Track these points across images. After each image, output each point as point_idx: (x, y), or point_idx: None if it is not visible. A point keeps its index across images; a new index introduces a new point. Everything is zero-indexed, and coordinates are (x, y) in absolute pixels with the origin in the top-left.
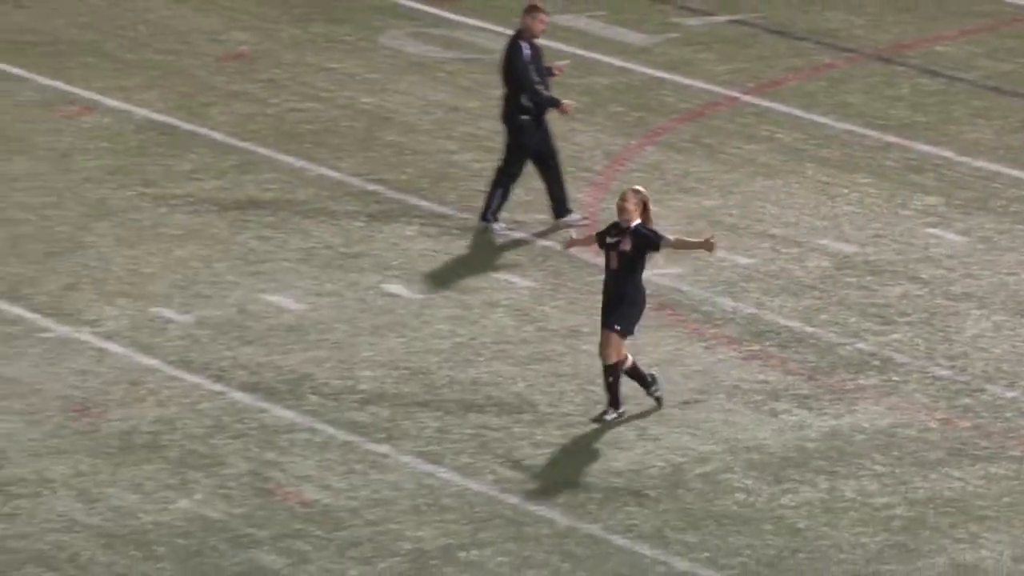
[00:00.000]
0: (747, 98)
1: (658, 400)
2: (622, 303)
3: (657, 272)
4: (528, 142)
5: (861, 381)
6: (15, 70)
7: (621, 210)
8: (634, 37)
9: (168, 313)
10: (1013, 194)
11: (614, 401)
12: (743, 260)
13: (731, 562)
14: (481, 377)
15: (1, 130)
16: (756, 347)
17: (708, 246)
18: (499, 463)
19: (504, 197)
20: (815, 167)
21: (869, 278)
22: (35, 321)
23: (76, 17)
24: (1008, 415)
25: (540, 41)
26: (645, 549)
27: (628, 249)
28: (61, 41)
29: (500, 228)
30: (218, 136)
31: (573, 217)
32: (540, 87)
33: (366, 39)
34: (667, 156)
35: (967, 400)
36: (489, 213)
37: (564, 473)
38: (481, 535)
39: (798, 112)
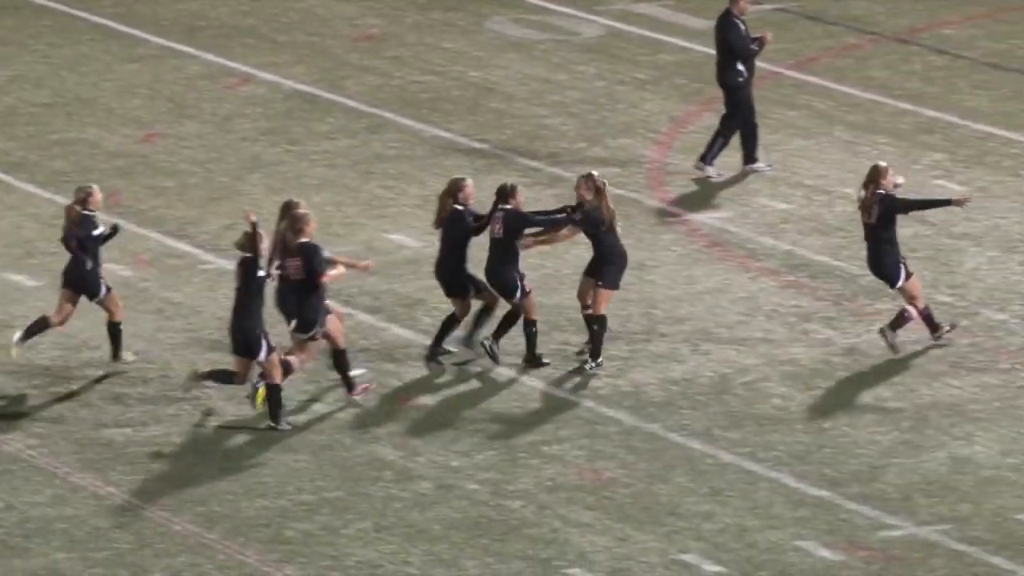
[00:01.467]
0: (788, 72)
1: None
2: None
3: (711, 216)
4: (743, 98)
5: (878, 306)
6: (187, 48)
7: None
8: (695, 22)
9: None
10: (1005, 151)
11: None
12: (781, 205)
13: (767, 455)
14: (563, 302)
15: (173, 98)
16: (791, 278)
17: None
18: (576, 373)
19: (723, 146)
20: (843, 129)
21: None
22: (198, 255)
23: (238, 6)
24: (999, 334)
25: (615, 23)
26: (696, 444)
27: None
28: (224, 25)
29: (714, 172)
30: (351, 103)
31: (759, 165)
32: (753, 52)
33: (475, 24)
34: None
35: (965, 321)
36: (709, 158)
37: (630, 381)
38: (561, 432)
39: (830, 84)
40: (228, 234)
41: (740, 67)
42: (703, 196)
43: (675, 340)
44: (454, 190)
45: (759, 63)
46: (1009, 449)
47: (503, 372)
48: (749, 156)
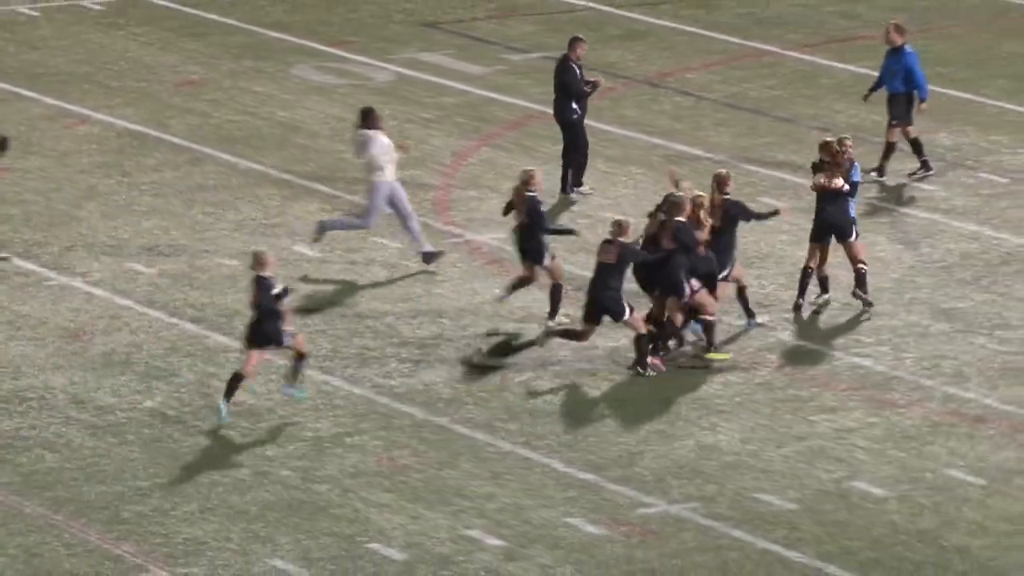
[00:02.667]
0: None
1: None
2: None
3: (490, 236)
4: (579, 132)
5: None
6: (30, 93)
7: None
8: (473, 68)
9: (138, 267)
10: (745, 180)
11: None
12: None
13: (540, 444)
14: (363, 311)
15: (19, 136)
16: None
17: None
18: (375, 374)
19: (580, 168)
20: (602, 162)
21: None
22: (42, 273)
23: (75, 55)
24: (738, 341)
25: (404, 70)
26: (479, 435)
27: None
28: (63, 72)
29: (586, 189)
30: (175, 140)
31: (583, 189)
32: (586, 93)
33: (282, 70)
34: (496, 154)
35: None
36: (571, 185)
37: (421, 380)
38: (362, 425)
39: (590, 122)
40: (68, 255)
41: (574, 105)
42: (483, 220)
43: (461, 345)
44: (527, 180)
45: (530, 103)
46: (748, 437)
47: (310, 373)
48: (577, 182)
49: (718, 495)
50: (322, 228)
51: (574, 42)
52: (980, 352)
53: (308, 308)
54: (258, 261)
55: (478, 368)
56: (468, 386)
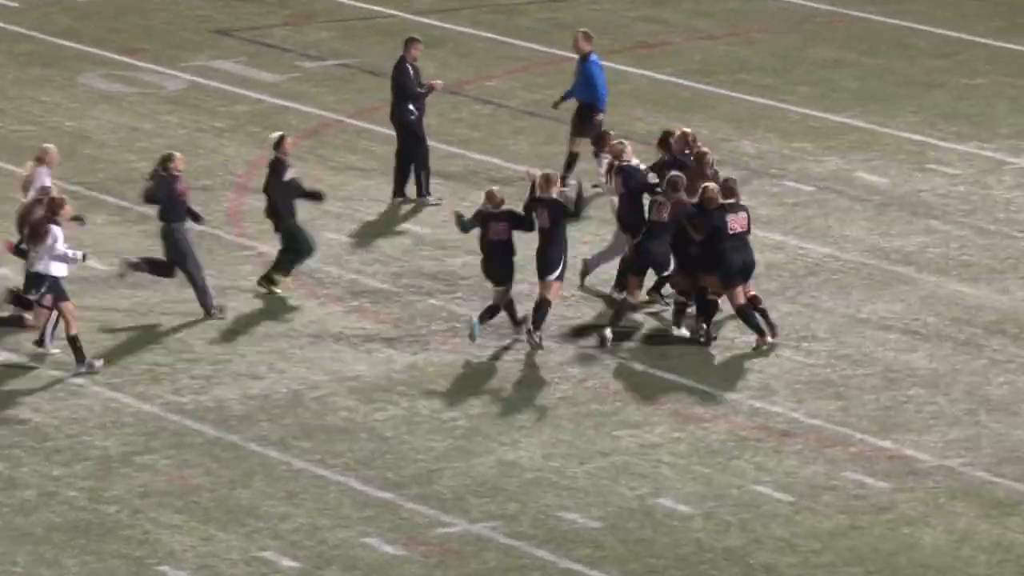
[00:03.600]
0: (350, 121)
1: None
2: None
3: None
4: (415, 133)
5: (433, 327)
6: None
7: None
8: (266, 76)
9: None
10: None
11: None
12: (343, 238)
13: (336, 462)
14: (154, 327)
15: None
16: (355, 303)
17: None
18: (165, 391)
19: (424, 175)
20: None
21: (438, 251)
22: None
23: None
24: (539, 354)
25: (196, 78)
26: (273, 453)
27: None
28: None
29: (432, 199)
30: None
31: (430, 198)
32: (421, 94)
33: (69, 79)
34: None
35: (522, 343)
36: (424, 191)
37: (213, 396)
38: (151, 444)
39: (388, 131)
40: None
41: (411, 107)
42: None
43: (253, 359)
44: (619, 152)
45: (324, 112)
46: (550, 453)
47: (98, 389)
48: (399, 191)
49: (520, 513)
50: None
51: (409, 43)
52: (786, 364)
53: (96, 321)
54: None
55: (269, 383)
56: (261, 403)
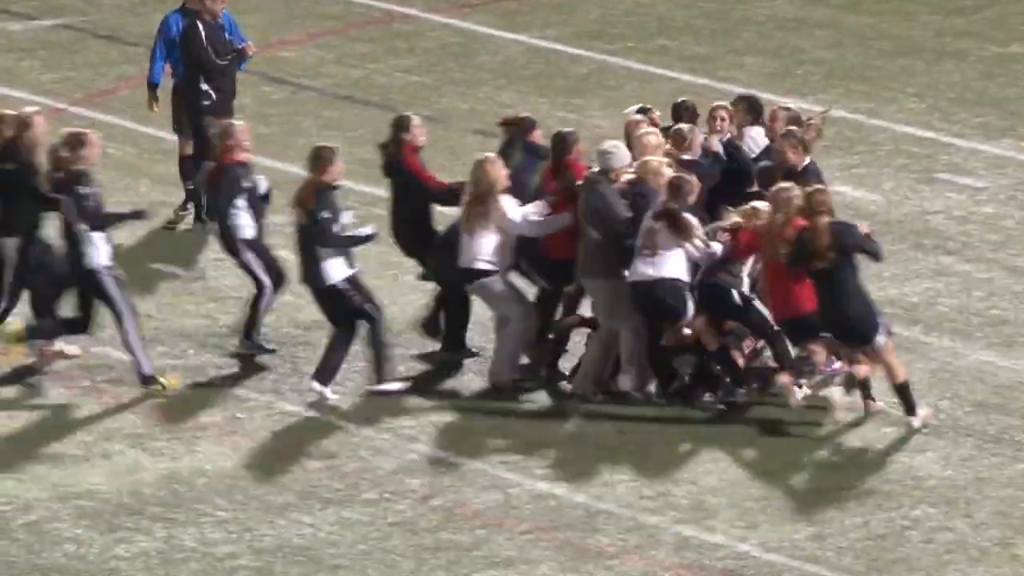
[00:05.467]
0: (75, 109)
1: None
2: None
3: None
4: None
5: (203, 419)
6: None
7: None
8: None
9: None
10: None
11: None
12: None
13: None
14: None
15: None
16: (87, 383)
17: None
18: None
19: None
20: (149, 183)
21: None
22: None
23: None
24: (362, 453)
25: None
26: None
27: None
28: None
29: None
30: None
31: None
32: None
33: None
34: None
35: (321, 439)
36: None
37: None
38: None
39: (131, 124)
40: None
41: (205, 86)
42: None
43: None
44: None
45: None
46: None
47: None
48: (199, 214)
49: None
50: None
51: None
52: (732, 473)
53: None
54: None
55: None
56: None
